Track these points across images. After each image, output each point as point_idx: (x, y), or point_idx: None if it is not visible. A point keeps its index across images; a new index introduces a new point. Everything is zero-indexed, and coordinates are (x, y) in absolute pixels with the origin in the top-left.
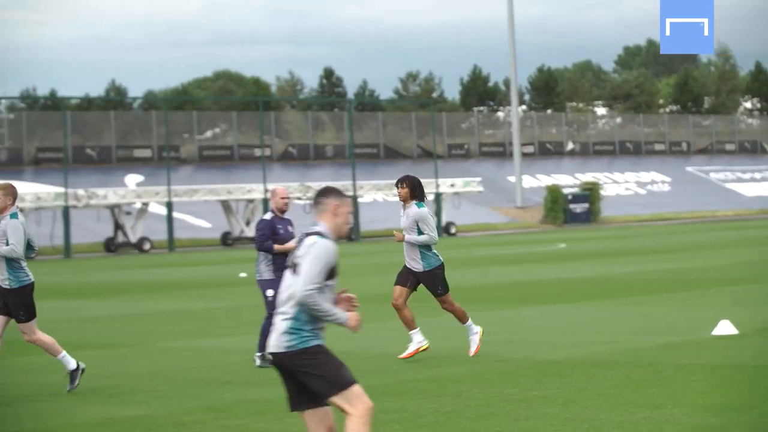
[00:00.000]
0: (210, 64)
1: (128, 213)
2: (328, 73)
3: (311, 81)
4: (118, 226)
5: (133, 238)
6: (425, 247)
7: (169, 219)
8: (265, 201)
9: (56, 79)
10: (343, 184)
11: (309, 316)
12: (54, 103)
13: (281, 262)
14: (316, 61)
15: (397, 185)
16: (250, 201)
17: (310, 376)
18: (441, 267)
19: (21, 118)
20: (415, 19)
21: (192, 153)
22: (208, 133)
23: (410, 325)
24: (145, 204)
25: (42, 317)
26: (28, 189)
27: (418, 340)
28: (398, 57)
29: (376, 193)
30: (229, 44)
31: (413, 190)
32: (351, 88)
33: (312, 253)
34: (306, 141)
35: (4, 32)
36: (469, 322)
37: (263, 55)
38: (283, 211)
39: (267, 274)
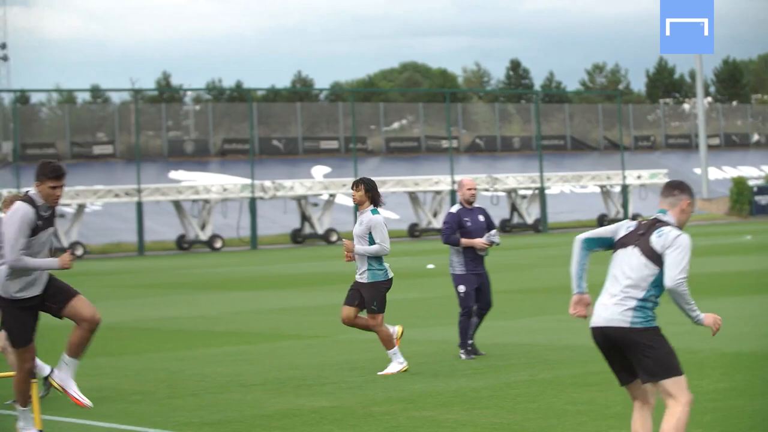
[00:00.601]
0: (396, 55)
1: (315, 204)
2: (515, 65)
3: (498, 72)
4: (304, 218)
5: (320, 230)
6: (375, 259)
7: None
8: (453, 192)
9: (242, 71)
10: (530, 175)
11: (656, 301)
12: (240, 94)
13: (472, 256)
14: (502, 53)
15: (352, 187)
16: (438, 192)
17: (645, 356)
18: (386, 283)
19: (207, 110)
20: (601, 11)
21: (379, 144)
22: (395, 125)
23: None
24: (332, 195)
25: (229, 308)
26: (214, 180)
27: (399, 361)
28: (584, 48)
29: (563, 185)
30: (415, 36)
31: (369, 194)
32: (537, 80)
33: (680, 244)
34: (493, 132)
35: (190, 24)
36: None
37: (449, 46)
38: (470, 202)
39: (459, 268)
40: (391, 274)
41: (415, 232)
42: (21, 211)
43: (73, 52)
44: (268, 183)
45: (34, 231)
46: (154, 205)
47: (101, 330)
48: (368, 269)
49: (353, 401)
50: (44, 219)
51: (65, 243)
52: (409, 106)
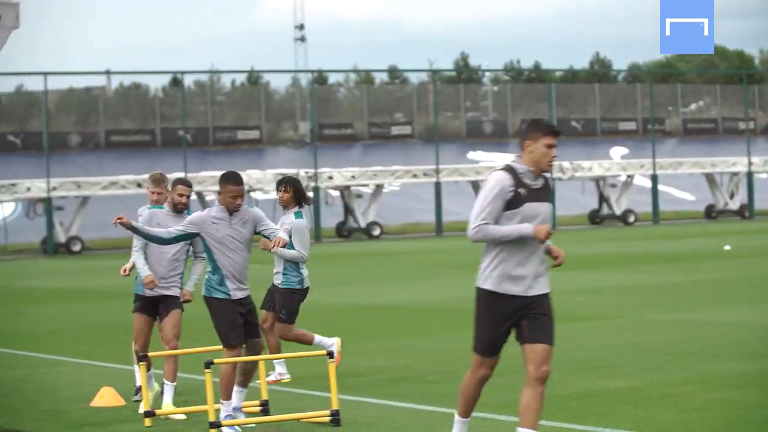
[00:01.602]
0: None
1: (613, 185)
2: None
3: None
4: (602, 199)
5: (618, 211)
6: (292, 264)
7: (654, 192)
8: (749, 174)
9: (540, 52)
10: None
11: None
12: (538, 75)
13: None
14: None
15: (278, 188)
16: (734, 174)
17: None
18: (300, 292)
19: (505, 91)
20: None
21: (676, 126)
22: (693, 106)
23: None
24: (630, 176)
25: None
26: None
27: (279, 371)
28: None
29: None
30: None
31: (296, 195)
32: None
33: None
34: None
35: (489, 5)
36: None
37: (746, 28)
38: None
39: None
40: (307, 284)
41: (711, 213)
42: (493, 179)
43: (371, 33)
44: (566, 164)
45: (516, 202)
46: (452, 186)
47: (396, 310)
48: (283, 273)
49: (650, 382)
50: (530, 189)
51: (362, 223)
52: (707, 88)
